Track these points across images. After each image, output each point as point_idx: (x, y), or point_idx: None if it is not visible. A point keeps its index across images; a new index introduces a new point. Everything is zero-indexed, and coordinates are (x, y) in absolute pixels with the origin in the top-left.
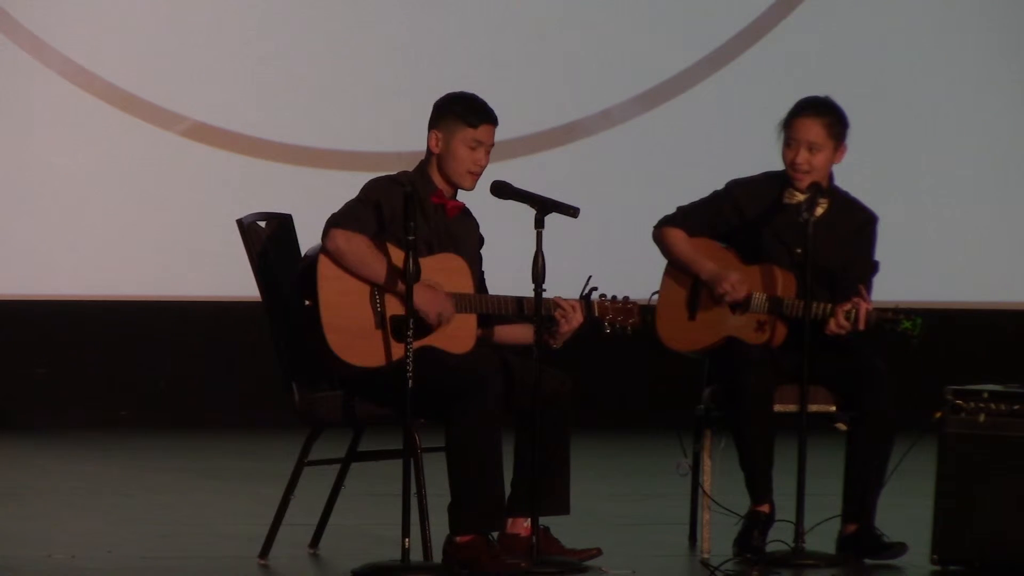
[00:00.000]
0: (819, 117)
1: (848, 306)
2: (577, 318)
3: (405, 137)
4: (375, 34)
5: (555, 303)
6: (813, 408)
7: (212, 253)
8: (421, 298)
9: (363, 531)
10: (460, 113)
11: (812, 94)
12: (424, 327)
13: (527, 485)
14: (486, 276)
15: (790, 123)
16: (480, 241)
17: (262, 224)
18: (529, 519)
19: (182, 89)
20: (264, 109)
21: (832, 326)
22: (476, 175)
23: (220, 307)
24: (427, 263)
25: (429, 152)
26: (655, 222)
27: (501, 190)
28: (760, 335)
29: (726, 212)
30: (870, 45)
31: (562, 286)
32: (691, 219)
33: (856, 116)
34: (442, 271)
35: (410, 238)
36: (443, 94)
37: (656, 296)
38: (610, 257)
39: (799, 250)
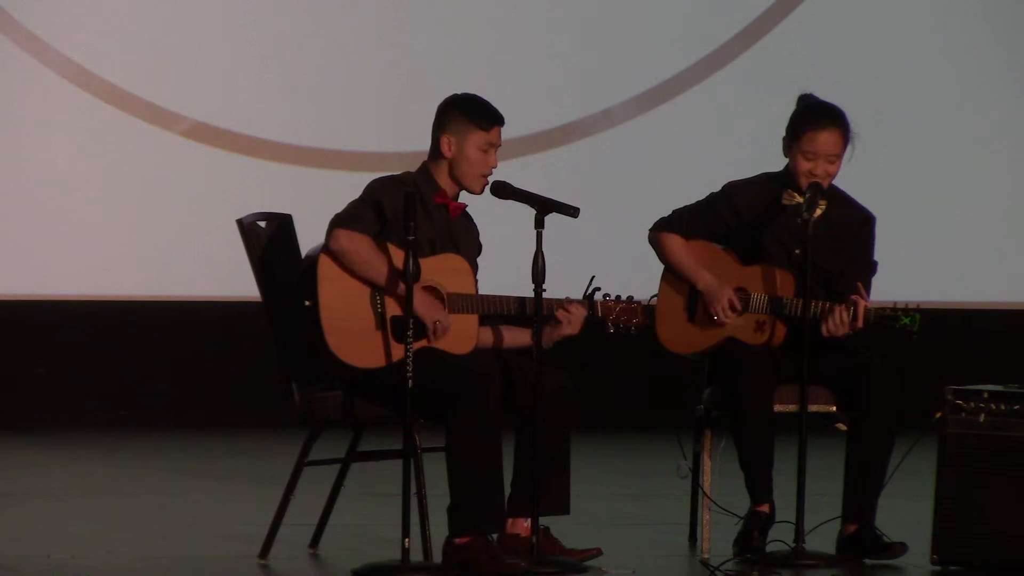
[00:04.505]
0: (838, 129)
1: (847, 304)
2: (577, 325)
3: (405, 137)
4: (375, 34)
5: (561, 304)
6: (813, 408)
7: (212, 253)
8: (420, 305)
9: (363, 531)
10: (471, 116)
11: (809, 92)
12: (425, 328)
13: (527, 485)
14: (486, 276)
15: (811, 136)
16: (479, 249)
17: (262, 224)
18: (529, 519)
19: (182, 89)
20: (264, 109)
21: (829, 326)
22: (487, 179)
23: (220, 307)
24: (429, 263)
25: (437, 154)
26: (652, 224)
27: (501, 190)
28: (759, 335)
29: (723, 214)
30: (868, 46)
31: (562, 286)
32: (687, 222)
33: (854, 116)
34: (444, 271)
35: (410, 238)
36: (446, 95)
37: (655, 298)
38: (610, 257)
39: (797, 251)
